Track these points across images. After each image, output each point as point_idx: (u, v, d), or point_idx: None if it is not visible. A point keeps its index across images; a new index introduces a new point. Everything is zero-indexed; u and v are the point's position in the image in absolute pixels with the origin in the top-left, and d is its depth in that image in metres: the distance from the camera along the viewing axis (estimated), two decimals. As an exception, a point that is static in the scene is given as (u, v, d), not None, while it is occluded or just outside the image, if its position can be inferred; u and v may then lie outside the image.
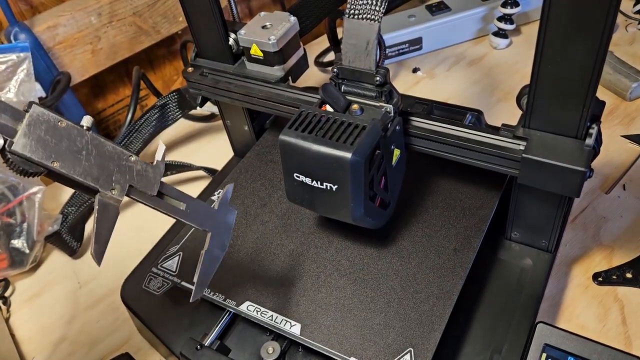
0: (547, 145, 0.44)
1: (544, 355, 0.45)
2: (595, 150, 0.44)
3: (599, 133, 0.44)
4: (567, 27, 0.38)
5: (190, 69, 0.61)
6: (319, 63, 0.90)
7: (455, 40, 0.91)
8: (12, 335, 0.64)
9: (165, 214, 0.41)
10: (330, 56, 0.92)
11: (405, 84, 0.87)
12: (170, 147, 0.85)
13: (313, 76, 0.90)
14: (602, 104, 0.46)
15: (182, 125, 0.87)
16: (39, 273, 0.71)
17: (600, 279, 0.58)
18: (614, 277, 0.58)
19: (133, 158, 0.39)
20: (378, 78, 0.46)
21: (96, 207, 0.38)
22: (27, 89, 0.63)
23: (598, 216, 0.64)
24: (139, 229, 0.74)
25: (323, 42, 0.94)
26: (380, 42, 0.80)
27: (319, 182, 0.44)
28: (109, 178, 0.38)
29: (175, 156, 0.83)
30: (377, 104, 0.47)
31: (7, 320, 0.66)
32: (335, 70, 0.48)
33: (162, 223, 0.66)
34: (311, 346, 0.46)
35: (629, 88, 0.74)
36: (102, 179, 0.37)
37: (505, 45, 0.88)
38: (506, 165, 0.47)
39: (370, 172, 0.44)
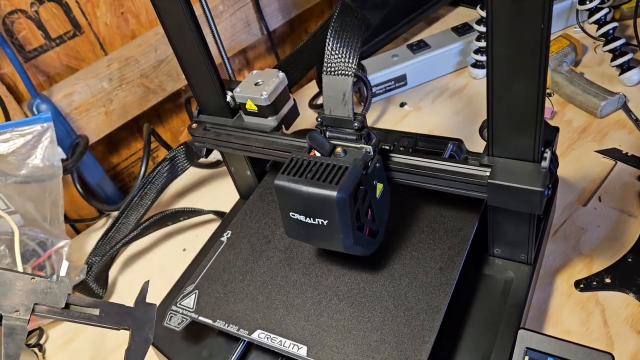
0: (509, 170, 0.50)
1: (527, 357, 0.50)
2: (551, 172, 0.50)
3: (554, 156, 0.50)
4: (508, 69, 0.45)
5: (194, 125, 0.68)
6: (312, 105, 0.98)
7: (437, 74, 0.98)
8: (49, 379, 0.70)
9: (79, 322, 0.45)
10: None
11: (393, 118, 0.94)
12: (182, 194, 0.92)
13: (308, 118, 0.97)
14: (555, 130, 0.52)
15: (191, 173, 0.94)
16: (70, 320, 0.77)
17: (581, 285, 0.63)
18: (594, 283, 0.63)
19: (35, 279, 0.43)
20: (356, 124, 0.52)
21: (2, 329, 0.42)
22: (51, 154, 0.70)
23: (577, 228, 0.69)
24: (159, 272, 0.80)
25: (315, 85, 1.01)
26: (366, 83, 0.87)
27: (311, 219, 0.51)
28: (11, 302, 0.43)
29: (186, 202, 0.90)
30: (358, 146, 0.53)
31: (43, 365, 0.72)
32: (319, 119, 0.54)
33: (179, 266, 0.72)
34: (317, 365, 0.52)
35: (599, 106, 0.80)
36: (5, 305, 0.42)
37: (484, 75, 0.95)
38: (477, 190, 0.53)
39: (355, 205, 0.51)
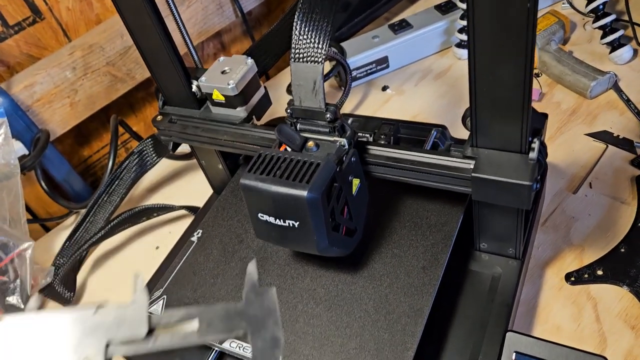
0: (494, 162, 0.46)
1: (516, 362, 0.47)
2: (540, 163, 0.46)
3: (543, 146, 0.46)
4: (492, 51, 0.40)
5: (159, 117, 0.64)
6: (291, 91, 0.93)
7: (421, 55, 0.93)
8: (15, 390, 0.66)
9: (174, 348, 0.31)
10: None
11: (375, 102, 0.89)
12: (154, 188, 0.87)
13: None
14: (543, 117, 0.48)
15: (164, 165, 0.89)
16: (37, 326, 0.73)
17: (572, 278, 0.60)
18: (586, 275, 0.60)
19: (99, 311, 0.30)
20: (328, 115, 0.48)
21: None
22: (7, 152, 0.65)
23: (567, 217, 0.66)
24: (131, 272, 0.76)
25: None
26: (345, 67, 0.82)
27: (282, 220, 0.47)
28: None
29: (158, 198, 0.85)
30: (332, 139, 0.49)
31: (8, 375, 0.68)
32: (289, 110, 0.50)
33: (152, 265, 0.68)
34: (292, 376, 0.48)
35: (589, 87, 0.76)
36: None
37: (469, 56, 0.91)
38: (460, 184, 0.49)
39: (329, 204, 0.47)
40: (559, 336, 0.56)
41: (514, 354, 0.47)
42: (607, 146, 0.72)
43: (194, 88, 0.61)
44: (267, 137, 0.57)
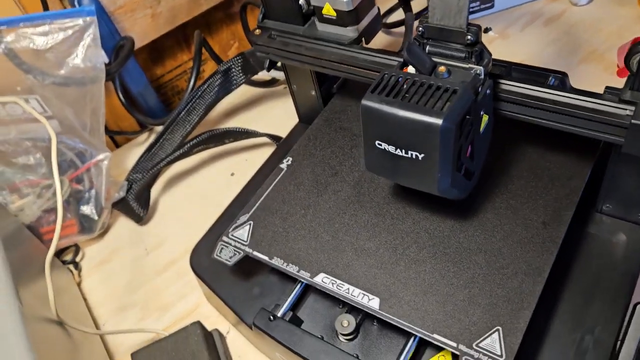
0: (660, 110, 0.40)
1: (645, 338, 0.42)
2: None
3: None
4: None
5: (257, 31, 0.58)
6: (383, 24, 0.86)
7: (531, -3, 0.84)
8: (85, 300, 0.66)
9: None
10: (395, 16, 0.88)
11: (475, 45, 0.82)
12: (232, 113, 0.83)
13: (376, 38, 0.86)
14: None
15: (241, 91, 0.85)
16: (107, 239, 0.72)
17: (699, 256, 0.54)
18: None
19: None
20: (469, 37, 0.42)
21: None
22: (94, 54, 0.62)
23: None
24: (204, 196, 0.73)
25: (388, 0, 0.89)
26: None
27: (403, 151, 0.42)
28: None
29: (236, 122, 0.81)
30: (466, 66, 0.43)
31: (78, 284, 0.67)
32: (420, 29, 0.44)
33: (226, 191, 0.65)
34: (391, 321, 0.45)
35: None
36: None
37: (587, 1, 0.82)
38: (610, 132, 0.42)
39: (460, 139, 0.41)
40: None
41: (645, 329, 0.42)
42: None
43: (301, 0, 0.55)
44: (380, 62, 0.51)
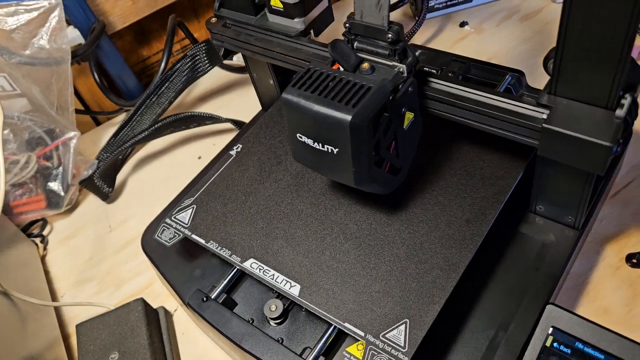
0: (572, 115, 0.40)
1: (551, 338, 0.43)
2: (627, 123, 0.39)
3: (634, 104, 0.40)
4: (597, -18, 0.34)
5: (213, 19, 0.60)
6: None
7: (510, -8, 0.84)
8: (46, 272, 0.68)
9: None
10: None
11: (450, 38, 0.82)
12: (204, 98, 0.85)
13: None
14: (642, 70, 0.41)
15: (218, 75, 0.86)
16: (74, 215, 0.74)
17: (634, 260, 0.54)
18: (651, 260, 0.54)
19: None
20: (390, 35, 0.43)
21: None
22: (60, 36, 0.64)
23: (643, 193, 0.59)
24: (170, 178, 0.75)
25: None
26: (423, -7, 0.75)
27: (320, 144, 0.43)
28: None
29: (207, 107, 0.83)
30: (390, 63, 0.44)
31: (43, 257, 0.70)
32: (347, 24, 0.45)
33: (192, 174, 0.66)
34: (308, 308, 0.46)
35: (700, 51, 0.66)
36: None
37: (565, -1, 0.81)
38: (526, 135, 0.43)
39: (375, 135, 0.42)
40: (605, 319, 0.51)
41: (551, 328, 0.43)
42: None
43: (253, -9, 0.56)
44: (323, 55, 0.52)
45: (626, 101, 0.38)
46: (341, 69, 0.45)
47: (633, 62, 0.39)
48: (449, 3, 0.84)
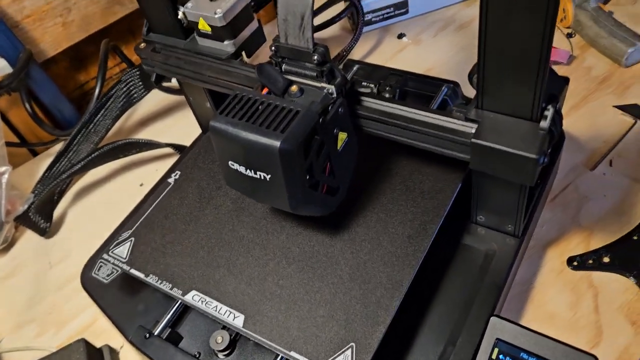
0: (498, 129, 0.40)
1: (496, 350, 0.43)
2: (552, 134, 0.40)
3: (558, 114, 0.40)
4: (509, -2, 0.34)
5: (142, 45, 0.58)
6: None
7: (444, 3, 0.85)
8: (-18, 316, 0.65)
9: None
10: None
11: (389, 50, 0.82)
12: (144, 122, 0.83)
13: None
14: (563, 81, 0.42)
15: (158, 98, 0.84)
16: (12, 253, 0.71)
17: (575, 263, 0.55)
18: (590, 261, 0.55)
19: None
20: (316, 57, 0.42)
21: None
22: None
23: (580, 195, 0.60)
24: (112, 208, 0.72)
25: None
26: (358, 7, 0.75)
27: (252, 171, 0.42)
28: None
29: (148, 132, 0.81)
30: (319, 85, 0.44)
31: (-23, 301, 0.66)
32: (273, 47, 0.44)
33: (134, 202, 0.64)
34: (253, 339, 0.45)
35: (625, 53, 0.68)
36: None
37: (497, 7, 0.82)
38: (457, 150, 0.43)
39: (307, 159, 0.41)
40: (551, 324, 0.52)
41: (496, 340, 0.43)
42: (636, 122, 0.64)
43: (180, 15, 0.54)
44: (254, 77, 0.51)
45: (549, 112, 0.39)
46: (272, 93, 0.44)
47: (553, 73, 0.40)
48: (385, 15, 0.84)
